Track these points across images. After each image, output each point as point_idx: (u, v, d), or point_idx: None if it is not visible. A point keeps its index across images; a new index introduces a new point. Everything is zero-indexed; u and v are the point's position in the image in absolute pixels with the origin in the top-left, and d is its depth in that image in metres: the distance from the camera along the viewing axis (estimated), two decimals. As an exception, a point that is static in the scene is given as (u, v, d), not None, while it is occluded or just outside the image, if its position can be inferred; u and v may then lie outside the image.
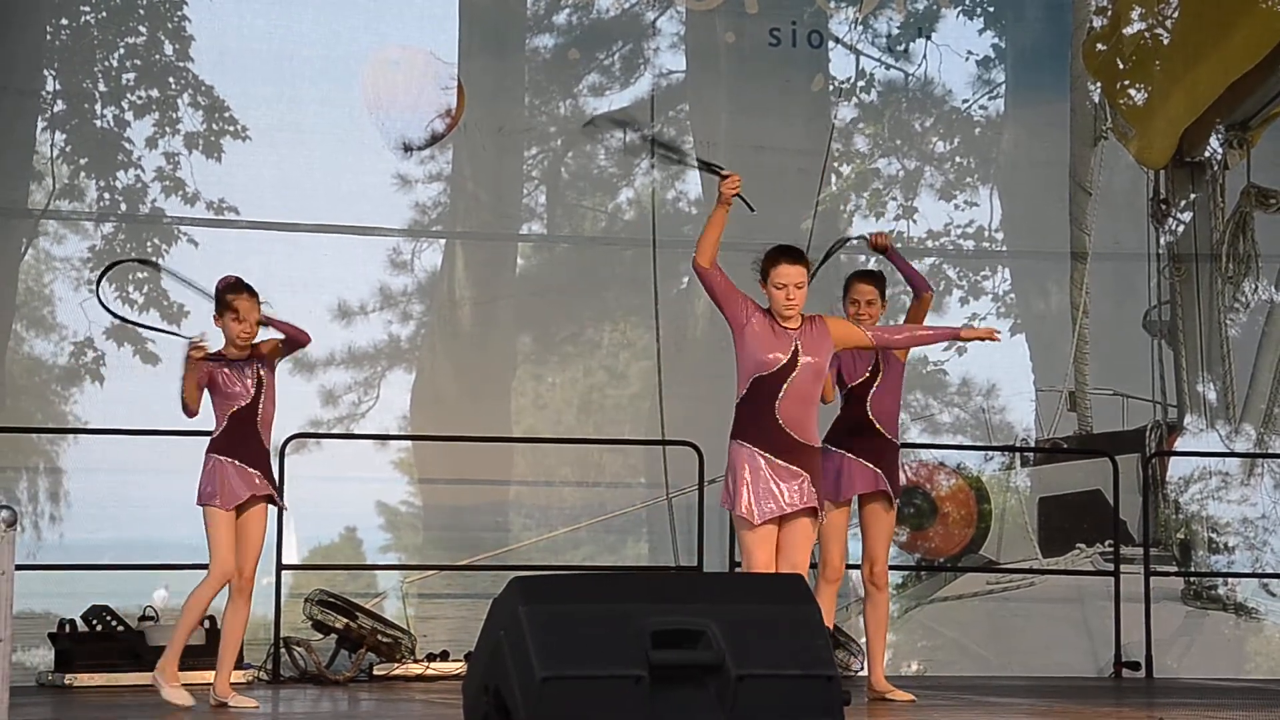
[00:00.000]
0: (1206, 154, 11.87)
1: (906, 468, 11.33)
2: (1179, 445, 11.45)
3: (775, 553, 6.73)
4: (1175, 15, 11.91)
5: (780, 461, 6.62)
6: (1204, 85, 11.78)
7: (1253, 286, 11.71)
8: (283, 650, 9.11)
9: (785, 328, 6.73)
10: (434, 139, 11.16)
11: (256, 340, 7.37)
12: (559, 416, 11.55)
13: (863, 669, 9.81)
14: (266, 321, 7.38)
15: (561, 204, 11.77)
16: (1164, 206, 11.83)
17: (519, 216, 11.63)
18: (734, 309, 6.76)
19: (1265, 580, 11.27)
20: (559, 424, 11.44)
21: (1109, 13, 11.94)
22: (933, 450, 11.38)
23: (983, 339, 7.18)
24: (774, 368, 6.66)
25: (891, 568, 11.11)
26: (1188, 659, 10.73)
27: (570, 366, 11.63)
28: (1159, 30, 11.94)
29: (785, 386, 6.64)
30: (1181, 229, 11.82)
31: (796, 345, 6.70)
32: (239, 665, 8.88)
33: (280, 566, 9.35)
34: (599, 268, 11.59)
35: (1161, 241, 11.77)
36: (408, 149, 11.13)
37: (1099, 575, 10.60)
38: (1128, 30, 11.94)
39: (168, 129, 10.85)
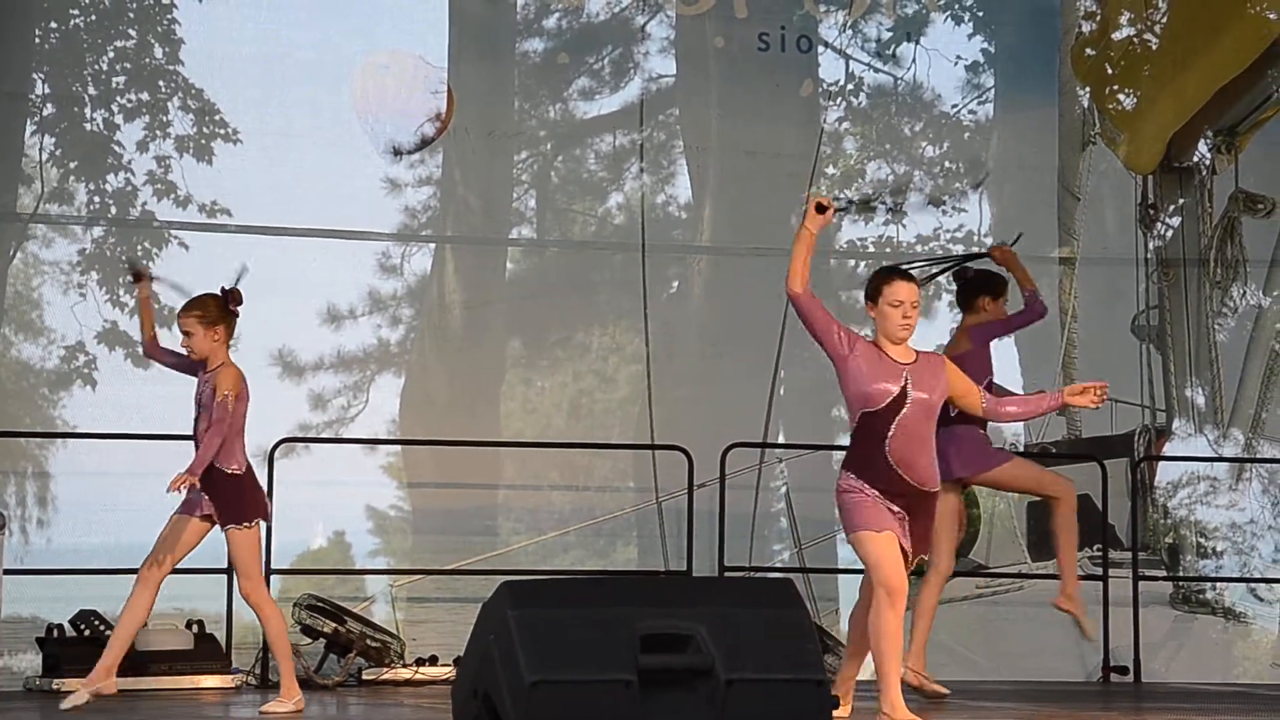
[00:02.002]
0: (1194, 159, 11.89)
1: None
2: (1167, 450, 11.47)
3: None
4: (1164, 20, 11.93)
5: (892, 506, 6.30)
6: (1192, 90, 11.80)
7: (1241, 291, 11.73)
8: (271, 654, 9.10)
9: (894, 360, 6.36)
10: (423, 143, 11.17)
11: (219, 363, 7.24)
12: (548, 420, 11.55)
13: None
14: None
15: (551, 208, 11.78)
16: (1152, 212, 11.85)
17: (509, 220, 11.63)
18: (833, 340, 6.38)
19: (1253, 585, 11.29)
20: (548, 428, 11.45)
21: (1097, 17, 11.96)
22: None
23: (1091, 403, 6.52)
24: (882, 402, 6.30)
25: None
26: (1176, 663, 10.75)
27: (559, 370, 11.64)
28: (1148, 35, 11.96)
29: (895, 423, 6.26)
30: (1170, 234, 11.84)
31: (907, 379, 6.34)
32: (229, 670, 8.88)
33: (269, 571, 9.33)
34: (588, 272, 11.59)
35: (1150, 246, 11.79)
36: (397, 153, 11.13)
37: (1087, 579, 10.58)
38: (1116, 35, 11.96)
39: (158, 132, 10.84)
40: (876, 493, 6.27)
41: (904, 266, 6.66)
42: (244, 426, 7.24)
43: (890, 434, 6.25)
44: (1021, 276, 8.38)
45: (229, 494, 7.16)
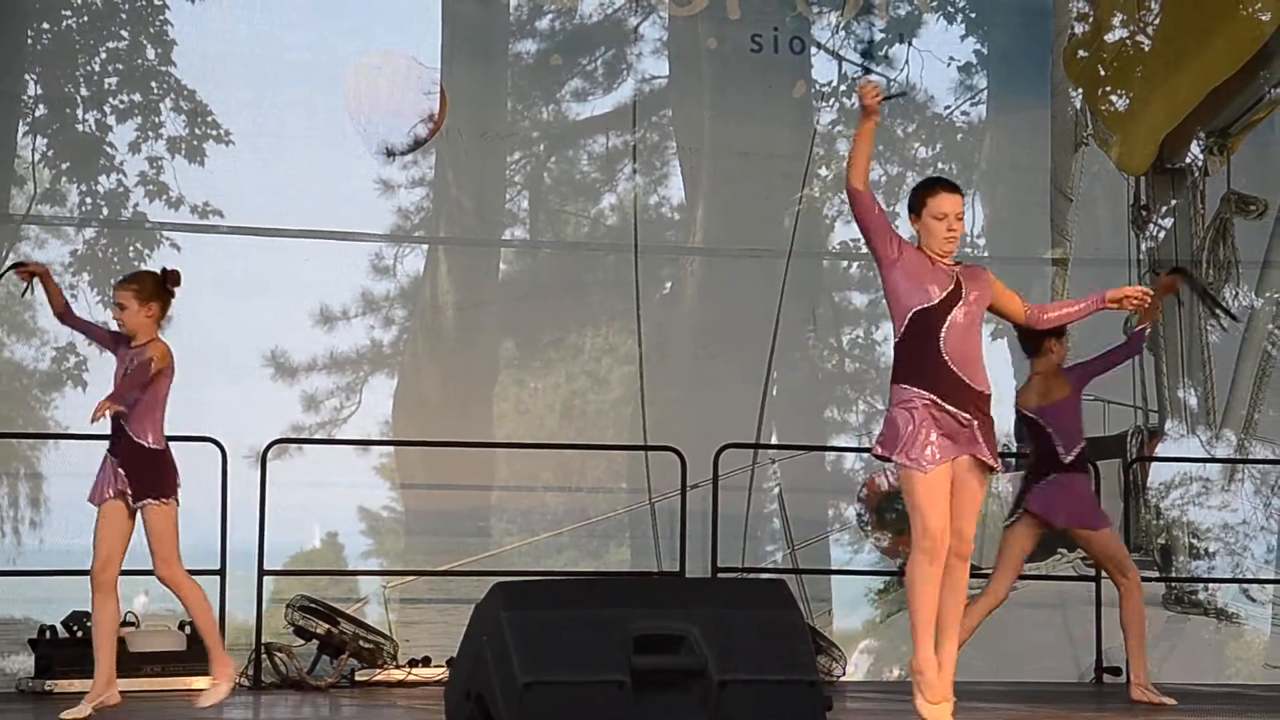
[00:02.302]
0: (1187, 160, 11.90)
1: (889, 473, 11.36)
2: (1160, 451, 11.48)
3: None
4: (1157, 22, 11.94)
5: (949, 407, 6.04)
6: (1185, 92, 11.81)
7: (1233, 293, 11.74)
8: (264, 656, 9.09)
9: (943, 264, 6.19)
10: (416, 144, 11.16)
11: (149, 339, 7.13)
12: (541, 421, 11.55)
13: (844, 674, 9.83)
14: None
15: (544, 209, 11.78)
16: (1145, 213, 11.86)
17: (502, 221, 11.63)
18: (884, 241, 6.19)
19: (1245, 585, 11.30)
20: (541, 429, 11.44)
21: (1090, 19, 11.97)
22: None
23: (1132, 303, 6.35)
24: (935, 299, 6.10)
25: (872, 573, 11.19)
26: (1168, 664, 10.74)
27: (553, 371, 11.63)
28: (1140, 37, 11.97)
29: (949, 321, 6.07)
30: (1162, 235, 11.85)
31: (958, 279, 6.17)
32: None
33: (262, 572, 9.33)
34: (582, 273, 11.59)
35: (1142, 248, 11.79)
36: (390, 154, 11.13)
37: (1080, 580, 10.61)
38: (1109, 37, 11.96)
39: (150, 133, 10.83)
40: (934, 399, 6.03)
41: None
42: (165, 403, 7.14)
43: (945, 331, 6.06)
44: (1154, 310, 8.27)
45: (147, 469, 7.08)
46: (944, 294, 6.11)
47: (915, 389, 6.06)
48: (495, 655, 4.87)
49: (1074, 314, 6.45)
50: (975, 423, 6.06)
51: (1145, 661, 8.29)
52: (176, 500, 7.17)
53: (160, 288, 7.21)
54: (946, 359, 6.05)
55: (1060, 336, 8.26)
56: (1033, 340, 8.25)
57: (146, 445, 7.10)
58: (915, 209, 6.27)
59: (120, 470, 7.09)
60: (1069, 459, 8.13)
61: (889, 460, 6.15)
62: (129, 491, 7.09)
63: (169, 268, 7.28)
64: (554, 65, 11.59)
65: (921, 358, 6.07)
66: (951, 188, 6.27)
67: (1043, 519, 8.15)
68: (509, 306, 11.45)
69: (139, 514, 7.14)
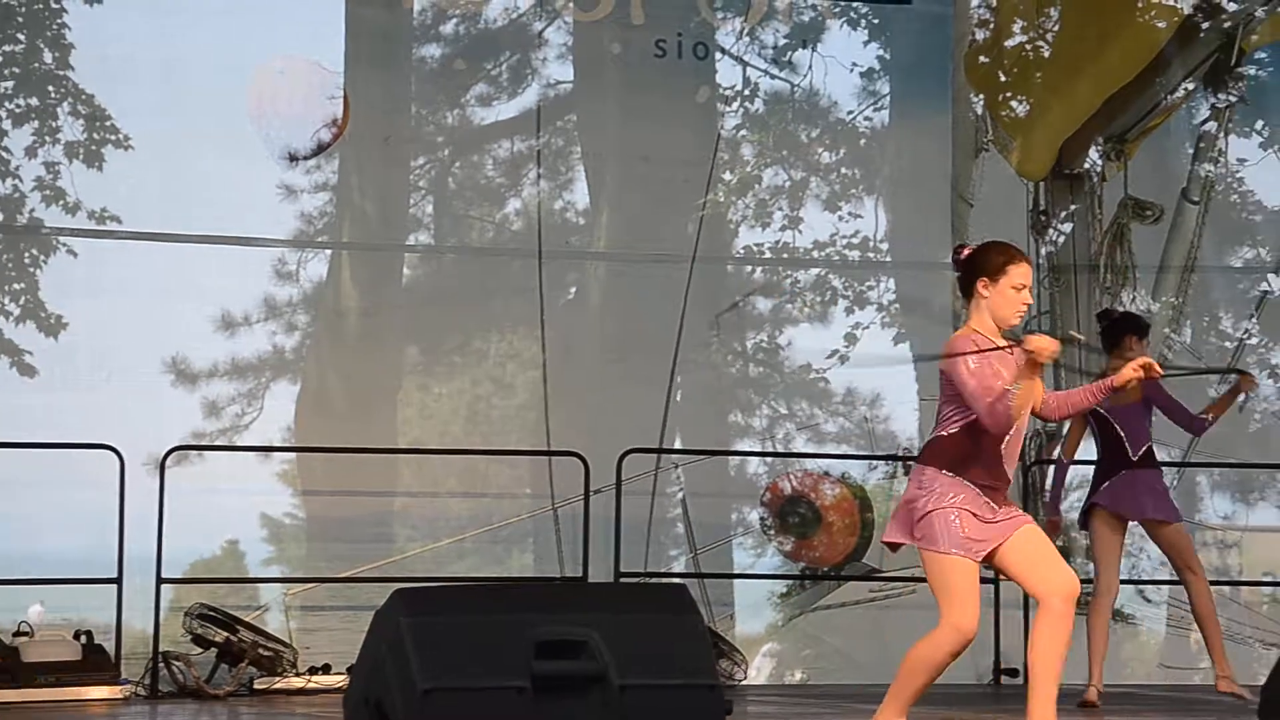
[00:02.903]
0: (1085, 166, 12.02)
1: (791, 477, 11.40)
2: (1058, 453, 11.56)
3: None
4: (1056, 28, 12.06)
5: (992, 503, 5.73)
6: (1083, 98, 11.93)
7: (1130, 296, 11.86)
8: (162, 665, 9.01)
9: (1006, 351, 5.73)
10: (320, 149, 11.10)
11: None
12: (445, 427, 11.51)
13: (745, 678, 9.85)
14: None
15: (448, 214, 11.74)
16: (1044, 218, 11.97)
17: (406, 227, 11.58)
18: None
19: (1141, 587, 11.41)
20: (445, 435, 11.40)
21: (991, 25, 12.07)
22: (817, 460, 11.43)
23: (1131, 380, 5.84)
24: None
25: (775, 577, 11.21)
26: (1066, 665, 10.83)
27: (457, 377, 11.60)
28: (1040, 43, 12.08)
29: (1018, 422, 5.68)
30: (1061, 240, 11.95)
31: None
32: (118, 681, 8.77)
33: (160, 580, 9.24)
34: (486, 278, 11.56)
35: (1041, 252, 11.90)
36: (293, 159, 11.06)
37: (983, 584, 10.67)
38: (1009, 43, 12.07)
39: (47, 138, 10.71)
40: (975, 490, 5.70)
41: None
42: None
43: (1013, 431, 5.71)
44: (1224, 406, 8.83)
45: None
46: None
47: (957, 478, 5.77)
48: (395, 661, 4.84)
49: (1078, 406, 6.00)
50: (998, 509, 5.83)
51: (1223, 653, 8.64)
52: None
53: None
54: (1001, 456, 5.78)
55: (1142, 337, 8.63)
56: (1112, 337, 8.61)
57: None
58: (989, 273, 5.86)
59: None
60: (1135, 456, 8.62)
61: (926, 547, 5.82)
62: None
63: None
64: (458, 70, 11.55)
65: (978, 452, 5.77)
66: (1026, 257, 5.92)
67: (1112, 511, 8.68)
68: (413, 312, 11.41)
69: None
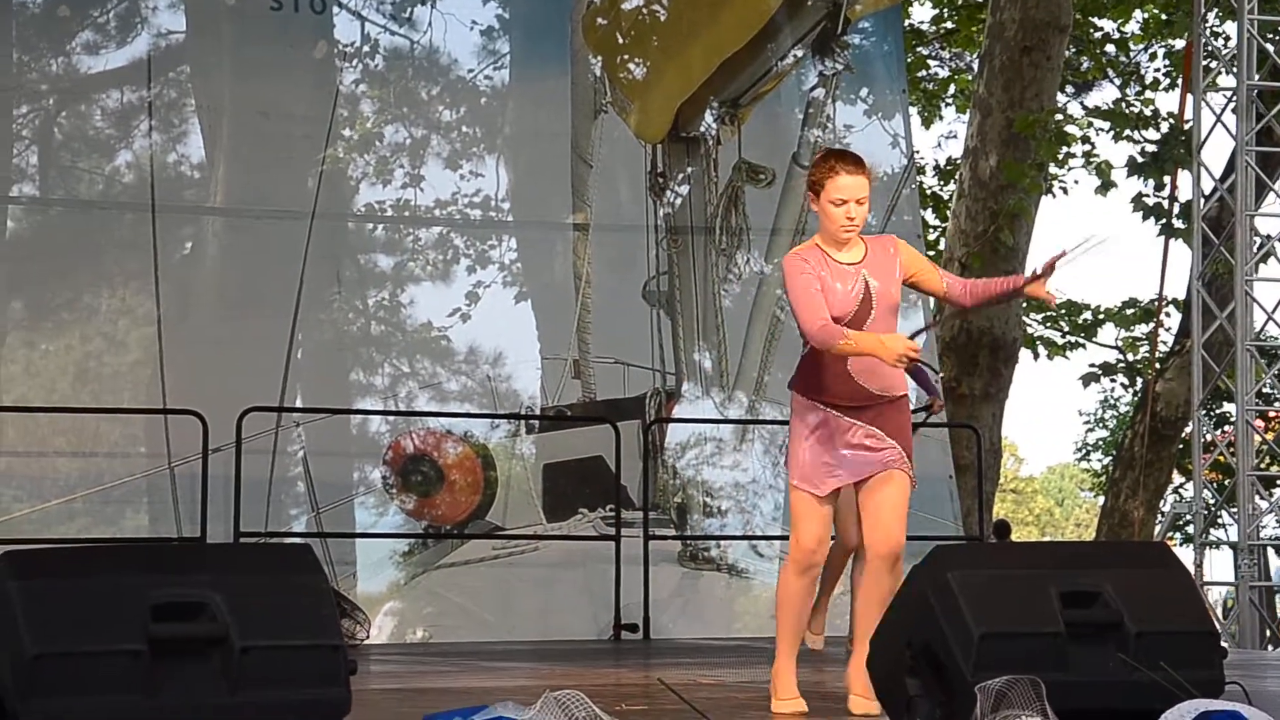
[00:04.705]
0: (701, 129, 12.27)
1: (413, 435, 11.38)
2: (677, 412, 11.82)
3: (853, 521, 5.84)
4: (671, -7, 12.26)
5: (853, 421, 5.57)
6: (697, 62, 12.17)
7: (745, 258, 12.16)
8: None
9: (846, 264, 5.58)
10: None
11: None
12: (54, 385, 11.14)
13: (368, 637, 9.83)
14: None
15: (55, 165, 11.35)
16: (661, 180, 12.18)
17: (9, 178, 11.16)
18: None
19: (754, 542, 11.74)
20: (53, 393, 11.03)
21: (609, -13, 12.20)
22: (440, 418, 11.44)
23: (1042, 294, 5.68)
24: (847, 312, 5.55)
25: (396, 535, 11.20)
26: (683, 619, 11.10)
27: (65, 333, 11.23)
28: (655, 6, 12.27)
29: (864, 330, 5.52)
30: (679, 202, 12.19)
31: (866, 281, 5.58)
32: None
33: None
34: (96, 232, 11.22)
35: (659, 214, 12.11)
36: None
37: (601, 540, 10.86)
38: (626, 5, 12.22)
39: None
40: (831, 413, 5.57)
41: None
42: None
43: None
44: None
45: None
46: (857, 306, 5.60)
47: (813, 399, 5.66)
48: (3, 627, 4.68)
49: (993, 296, 5.75)
50: (878, 434, 5.70)
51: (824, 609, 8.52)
52: None
53: None
54: (851, 370, 5.61)
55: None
56: None
57: None
58: (813, 188, 5.66)
59: None
60: None
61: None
62: None
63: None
64: (62, 16, 11.15)
65: (823, 366, 5.63)
66: (854, 165, 5.62)
67: None
68: (17, 266, 11.01)
69: None
